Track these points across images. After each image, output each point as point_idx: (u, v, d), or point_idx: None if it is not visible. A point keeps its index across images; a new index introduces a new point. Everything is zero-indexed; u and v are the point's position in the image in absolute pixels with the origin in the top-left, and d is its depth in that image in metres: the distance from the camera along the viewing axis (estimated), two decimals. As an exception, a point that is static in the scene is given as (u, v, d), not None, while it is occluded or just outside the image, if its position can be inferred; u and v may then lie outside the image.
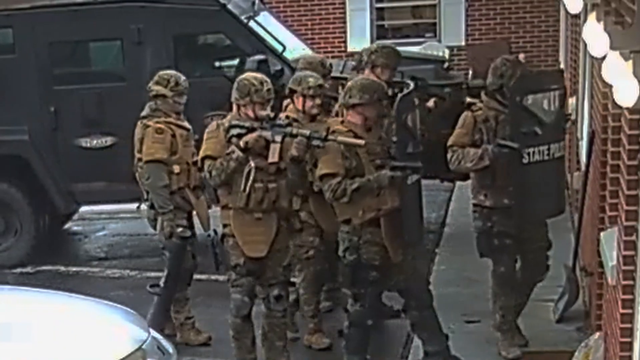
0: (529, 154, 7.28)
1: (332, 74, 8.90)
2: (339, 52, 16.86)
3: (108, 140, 10.82)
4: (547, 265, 7.76)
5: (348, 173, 6.95)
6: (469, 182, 7.77)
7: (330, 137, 7.14)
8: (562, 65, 14.41)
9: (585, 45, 7.44)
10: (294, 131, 7.16)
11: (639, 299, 5.61)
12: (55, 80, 10.88)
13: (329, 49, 16.92)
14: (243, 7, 11.15)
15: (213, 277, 10.05)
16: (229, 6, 10.80)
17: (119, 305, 6.60)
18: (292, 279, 7.87)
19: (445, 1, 17.25)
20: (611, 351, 6.37)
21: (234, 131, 7.13)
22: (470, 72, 15.13)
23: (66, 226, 12.37)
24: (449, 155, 7.44)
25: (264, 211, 7.18)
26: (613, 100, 5.86)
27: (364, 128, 7.05)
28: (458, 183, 11.25)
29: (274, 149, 7.08)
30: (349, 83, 7.23)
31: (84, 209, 12.02)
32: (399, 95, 7.04)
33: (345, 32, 17.52)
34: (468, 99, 7.94)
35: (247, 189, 7.10)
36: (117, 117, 10.74)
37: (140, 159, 8.27)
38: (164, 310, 8.33)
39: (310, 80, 7.88)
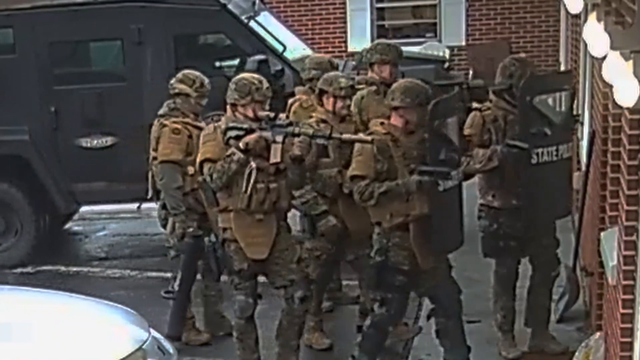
0: (537, 154, 7.24)
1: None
2: (340, 52, 16.86)
3: (108, 140, 10.82)
4: (559, 260, 7.75)
5: (379, 176, 6.85)
6: (471, 181, 7.75)
7: (334, 135, 7.10)
8: (562, 65, 14.41)
9: (586, 45, 7.44)
10: (296, 130, 7.11)
11: (639, 299, 5.61)
12: (55, 80, 10.88)
13: (330, 49, 16.91)
14: (243, 7, 11.15)
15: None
16: (230, 6, 10.80)
17: (119, 305, 6.60)
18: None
19: (445, 1, 17.25)
20: (611, 351, 6.37)
21: (232, 133, 7.06)
22: (471, 72, 15.16)
23: (66, 226, 12.37)
24: None
25: (265, 212, 7.14)
26: (613, 100, 5.86)
27: (404, 131, 6.93)
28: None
29: (276, 149, 7.01)
30: (394, 85, 7.10)
31: (84, 209, 12.02)
32: (432, 101, 6.86)
33: (345, 32, 17.53)
34: (474, 104, 7.90)
35: (249, 190, 7.05)
36: (118, 117, 10.76)
37: (155, 158, 8.23)
38: (183, 314, 8.25)
39: (342, 81, 7.78)
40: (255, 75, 7.32)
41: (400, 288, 6.98)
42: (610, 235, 6.67)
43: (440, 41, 17.13)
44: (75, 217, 12.30)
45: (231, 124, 7.11)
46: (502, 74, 7.51)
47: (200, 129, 8.05)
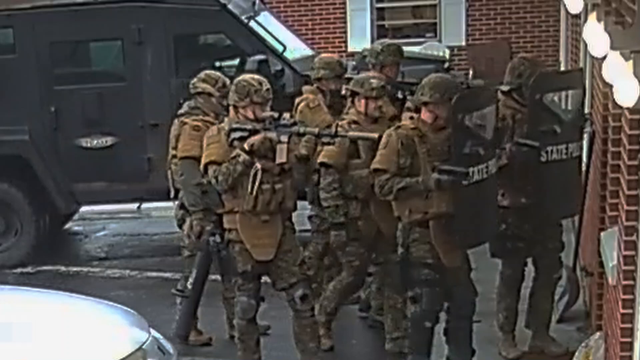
0: (547, 152, 7.22)
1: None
2: (340, 52, 16.84)
3: (108, 140, 10.82)
4: (561, 262, 7.75)
5: (402, 171, 6.84)
6: None
7: (340, 132, 7.06)
8: (562, 65, 14.40)
9: (586, 45, 7.44)
10: (301, 130, 7.09)
11: (639, 299, 5.61)
12: (55, 80, 10.88)
13: (330, 49, 16.88)
14: (243, 7, 11.15)
15: (213, 277, 10.06)
16: (230, 6, 10.80)
17: (119, 305, 6.59)
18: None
19: (445, 1, 17.24)
20: (611, 351, 6.37)
21: (236, 134, 7.04)
22: (471, 72, 15.16)
23: (66, 226, 12.37)
24: None
25: (271, 213, 7.11)
26: (613, 100, 5.86)
27: (434, 127, 6.90)
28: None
29: (281, 150, 6.98)
30: (423, 81, 7.06)
31: (84, 209, 12.03)
32: (455, 96, 6.82)
33: (345, 32, 17.52)
34: None
35: (254, 191, 7.02)
36: (118, 117, 10.76)
37: (174, 156, 8.20)
38: (193, 313, 8.18)
39: (373, 82, 7.70)
40: (256, 77, 7.30)
41: (427, 282, 6.94)
42: (610, 235, 6.67)
43: (440, 41, 17.12)
44: (75, 217, 12.30)
45: (235, 125, 7.09)
46: (512, 73, 7.49)
47: None
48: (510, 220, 7.42)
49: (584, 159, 7.98)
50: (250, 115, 7.12)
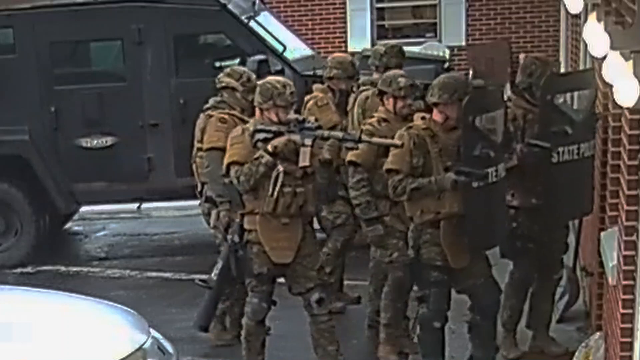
0: (558, 153, 7.19)
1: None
2: (340, 52, 16.82)
3: (108, 140, 10.82)
4: (562, 263, 7.74)
5: (415, 171, 6.84)
6: None
7: (364, 138, 7.03)
8: (562, 65, 14.40)
9: (586, 45, 7.44)
10: (325, 134, 7.07)
11: (639, 299, 5.61)
12: (55, 80, 10.88)
13: (330, 49, 16.88)
14: (243, 7, 11.15)
15: (213, 277, 10.06)
16: (230, 6, 10.80)
17: (119, 305, 6.59)
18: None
19: (445, 1, 17.24)
20: (611, 351, 6.37)
21: (260, 136, 7.01)
22: (471, 72, 15.16)
23: (66, 226, 12.37)
24: None
25: (291, 216, 7.07)
26: (613, 100, 5.87)
27: (445, 127, 6.90)
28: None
29: (305, 153, 6.94)
30: (434, 81, 7.06)
31: (84, 209, 12.03)
32: (465, 97, 6.78)
33: (345, 32, 17.52)
34: None
35: (275, 193, 6.99)
36: (118, 117, 10.76)
37: (199, 149, 8.16)
38: (215, 305, 8.06)
39: (401, 80, 7.64)
40: (281, 79, 7.24)
41: (436, 284, 6.94)
42: (610, 235, 6.68)
43: (440, 41, 17.12)
44: (75, 217, 12.30)
45: (259, 127, 7.06)
46: (522, 72, 7.48)
47: (245, 122, 7.88)
48: (520, 220, 7.39)
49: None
50: (274, 117, 7.08)
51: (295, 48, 11.38)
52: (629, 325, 5.72)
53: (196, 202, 11.10)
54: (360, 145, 7.29)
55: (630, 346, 5.71)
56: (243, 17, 10.87)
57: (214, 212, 8.06)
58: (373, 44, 16.91)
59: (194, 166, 8.33)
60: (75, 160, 10.83)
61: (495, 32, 17.19)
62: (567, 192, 7.30)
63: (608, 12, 6.56)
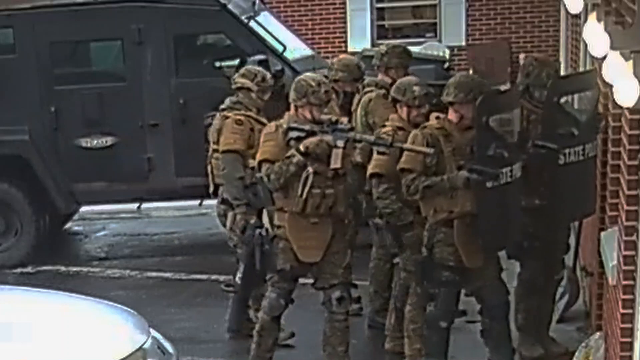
0: (565, 154, 7.18)
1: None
2: (340, 52, 16.81)
3: (108, 140, 10.82)
4: (563, 264, 7.73)
5: (428, 170, 6.84)
6: None
7: (395, 144, 7.00)
8: (562, 65, 14.40)
9: (586, 45, 7.44)
10: (357, 136, 7.05)
11: (639, 299, 5.61)
12: (55, 80, 10.87)
13: (330, 49, 16.90)
14: (243, 7, 11.15)
15: (213, 277, 10.07)
16: (230, 6, 10.80)
17: (119, 305, 6.59)
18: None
19: (445, 1, 17.24)
20: (611, 351, 6.38)
21: (293, 134, 6.99)
22: (471, 72, 15.14)
23: (66, 226, 12.37)
24: None
25: (320, 216, 7.06)
26: (613, 100, 5.87)
27: (460, 127, 6.89)
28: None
29: (337, 155, 6.92)
30: (449, 80, 7.04)
31: (84, 209, 12.02)
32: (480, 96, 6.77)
33: (345, 32, 17.52)
34: None
35: (304, 194, 6.97)
36: (118, 117, 10.76)
37: (215, 150, 8.14)
38: (243, 308, 8.11)
39: (416, 89, 7.53)
40: (317, 77, 7.20)
41: (446, 283, 6.94)
42: (610, 235, 6.68)
43: (440, 41, 17.12)
44: (75, 217, 12.30)
45: (292, 124, 7.04)
46: (521, 73, 7.49)
47: (262, 123, 7.90)
48: (526, 219, 7.38)
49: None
50: (308, 115, 7.07)
51: (295, 48, 11.38)
52: (629, 325, 5.72)
53: (196, 202, 11.22)
54: (380, 156, 7.25)
55: (630, 346, 5.71)
56: (243, 17, 10.86)
57: (230, 214, 8.03)
58: (373, 44, 16.93)
59: (208, 167, 8.30)
60: (75, 160, 10.83)
61: (495, 32, 17.19)
62: (572, 193, 7.30)
63: (608, 12, 6.57)
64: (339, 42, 17.47)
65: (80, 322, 6.17)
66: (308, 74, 7.53)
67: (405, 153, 6.92)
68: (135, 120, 10.75)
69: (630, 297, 5.73)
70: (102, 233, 12.39)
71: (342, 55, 9.44)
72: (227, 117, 8.08)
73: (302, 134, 6.98)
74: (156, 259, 11.11)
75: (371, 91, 8.31)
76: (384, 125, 7.58)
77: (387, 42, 14.23)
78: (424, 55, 14.01)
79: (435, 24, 17.43)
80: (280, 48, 10.81)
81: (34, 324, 5.94)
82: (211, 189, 8.32)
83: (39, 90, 10.82)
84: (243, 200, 7.90)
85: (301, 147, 6.93)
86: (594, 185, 7.65)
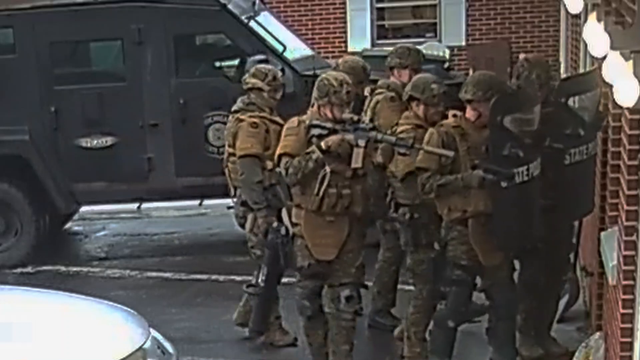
0: (570, 154, 7.19)
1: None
2: (340, 52, 16.83)
3: (108, 140, 10.82)
4: (569, 263, 7.71)
5: (444, 169, 6.84)
6: None
7: (416, 145, 6.99)
8: (562, 65, 14.40)
9: (586, 45, 7.44)
10: (379, 136, 7.03)
11: (639, 299, 5.61)
12: (55, 80, 10.87)
13: (329, 49, 16.90)
14: (243, 7, 11.15)
15: (213, 277, 10.08)
16: (230, 6, 10.80)
17: (119, 305, 6.59)
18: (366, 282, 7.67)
19: (445, 1, 17.23)
20: (611, 351, 6.37)
21: (315, 131, 6.99)
22: (471, 72, 15.13)
23: (66, 226, 12.37)
24: None
25: (337, 215, 7.05)
26: (613, 100, 5.86)
27: (477, 125, 6.89)
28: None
29: (357, 154, 6.92)
30: (467, 78, 7.02)
31: (84, 209, 12.02)
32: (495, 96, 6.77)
33: (345, 32, 17.51)
34: None
35: (321, 193, 6.97)
36: (118, 117, 10.76)
37: (231, 154, 8.10)
38: (267, 309, 8.06)
39: (434, 88, 7.47)
40: (339, 77, 7.17)
41: (458, 282, 6.94)
42: (610, 235, 6.68)
43: (440, 41, 17.11)
44: (75, 217, 12.30)
45: (315, 122, 7.04)
46: (514, 74, 7.48)
47: (277, 123, 7.88)
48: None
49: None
50: (329, 114, 7.06)
51: (295, 48, 11.37)
52: (629, 325, 5.72)
53: (196, 202, 11.22)
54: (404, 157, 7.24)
55: (630, 346, 5.71)
56: (243, 17, 10.86)
57: (250, 216, 8.00)
58: (373, 44, 16.94)
59: (226, 170, 8.25)
60: (75, 160, 10.83)
61: (495, 32, 17.18)
62: (576, 192, 7.31)
63: (608, 12, 6.56)
64: (339, 42, 17.47)
65: (80, 322, 6.17)
66: (332, 72, 7.52)
67: (421, 152, 6.91)
68: (135, 120, 10.75)
69: (630, 297, 5.73)
70: (102, 233, 12.39)
71: (347, 57, 9.35)
72: (241, 120, 8.01)
73: (324, 132, 6.98)
74: (156, 259, 11.11)
75: (381, 93, 8.27)
76: (394, 126, 7.55)
77: (387, 42, 14.24)
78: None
79: (435, 24, 17.43)
80: (280, 48, 10.81)
81: (34, 324, 5.94)
82: (231, 192, 8.27)
83: (39, 90, 10.82)
84: (263, 204, 7.88)
85: (322, 145, 6.94)
86: (593, 183, 7.66)
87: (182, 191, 10.85)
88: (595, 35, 5.31)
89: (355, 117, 7.09)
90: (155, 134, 10.76)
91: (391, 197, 7.62)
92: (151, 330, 6.28)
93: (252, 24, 10.90)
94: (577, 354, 7.20)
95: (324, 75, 7.22)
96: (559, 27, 16.01)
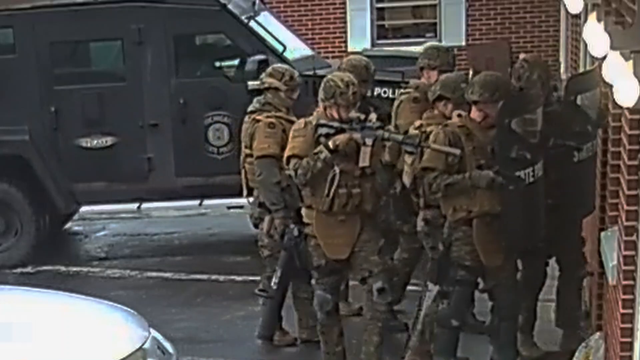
0: (579, 151, 7.21)
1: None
2: (340, 52, 16.84)
3: (108, 140, 10.82)
4: (585, 259, 7.68)
5: (451, 169, 6.83)
6: None
7: (423, 144, 7.00)
8: (562, 65, 14.40)
9: (586, 45, 7.44)
10: (386, 135, 7.03)
11: (639, 299, 5.61)
12: (55, 80, 10.87)
13: (329, 49, 16.90)
14: (243, 7, 11.15)
15: (213, 277, 10.08)
16: (230, 6, 10.80)
17: (119, 305, 6.59)
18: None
19: (445, 1, 17.23)
20: (611, 351, 6.37)
21: (322, 130, 7.00)
22: (471, 72, 15.12)
23: (66, 226, 12.37)
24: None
25: (348, 214, 7.06)
26: (613, 100, 5.87)
27: (482, 126, 6.89)
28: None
29: (365, 153, 6.93)
30: (474, 78, 7.03)
31: (84, 209, 11.99)
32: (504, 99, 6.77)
33: (345, 32, 17.51)
34: None
35: (331, 194, 6.98)
36: (118, 117, 10.76)
37: (248, 155, 8.06)
38: (277, 313, 8.05)
39: (464, 87, 7.42)
40: (345, 78, 7.14)
41: (461, 283, 6.94)
42: (610, 235, 6.68)
43: (440, 41, 17.08)
44: (75, 217, 12.30)
45: (322, 121, 7.05)
46: (514, 75, 7.47)
47: (293, 123, 7.74)
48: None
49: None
50: (335, 115, 7.06)
51: (295, 48, 11.37)
52: (629, 325, 5.72)
53: (196, 202, 11.21)
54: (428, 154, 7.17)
55: (630, 346, 5.71)
56: (243, 17, 10.86)
57: (267, 218, 7.96)
58: (373, 44, 16.94)
59: (242, 172, 8.23)
60: (75, 160, 10.83)
61: (495, 32, 17.18)
62: (582, 189, 7.32)
63: (608, 12, 6.56)
64: (339, 42, 17.47)
65: (80, 322, 6.17)
66: (337, 73, 7.51)
67: (428, 151, 6.91)
68: (135, 120, 10.75)
69: (630, 297, 5.73)
70: (102, 233, 12.39)
71: (351, 56, 9.31)
72: (257, 121, 7.97)
73: (331, 131, 6.99)
74: (156, 259, 11.11)
75: (407, 93, 8.20)
76: (420, 127, 7.48)
77: (387, 42, 14.25)
78: (424, 55, 13.99)
79: (435, 24, 17.42)
80: (280, 48, 10.81)
81: (34, 324, 5.94)
82: (245, 192, 8.25)
83: (39, 90, 10.82)
84: (281, 205, 7.84)
85: (330, 144, 6.94)
86: (594, 183, 7.68)
87: (182, 191, 10.85)
88: (595, 35, 5.32)
89: (362, 116, 7.09)
90: (155, 134, 10.76)
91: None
92: (151, 330, 6.28)
93: (252, 24, 10.90)
94: (577, 354, 7.20)
95: (329, 77, 7.21)
96: (559, 27, 16.01)
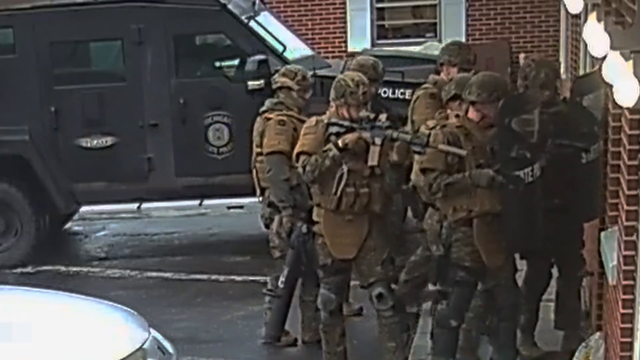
0: (587, 152, 7.18)
1: (332, 73, 8.87)
2: (339, 52, 16.85)
3: (108, 140, 10.82)
4: (584, 260, 7.68)
5: (450, 169, 6.83)
6: None
7: (431, 144, 6.98)
8: (562, 65, 14.40)
9: (586, 45, 7.43)
10: (394, 134, 7.02)
11: (639, 299, 5.61)
12: (55, 80, 10.88)
13: (329, 49, 16.90)
14: (243, 7, 11.15)
15: (213, 277, 10.08)
16: (230, 6, 10.80)
17: (119, 305, 6.59)
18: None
19: (445, 1, 17.24)
20: (611, 351, 6.37)
21: (333, 129, 7.03)
22: (471, 72, 15.13)
23: (66, 226, 12.37)
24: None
25: (355, 213, 7.08)
26: (613, 100, 5.86)
27: (480, 125, 6.89)
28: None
29: (374, 152, 6.94)
30: (472, 79, 7.03)
31: (84, 209, 12.01)
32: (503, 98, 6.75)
33: (345, 32, 17.51)
34: None
35: (339, 192, 7.00)
36: (118, 117, 10.76)
37: (259, 153, 8.05)
38: (284, 313, 8.00)
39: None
40: (356, 78, 7.17)
41: (461, 283, 6.93)
42: (610, 235, 6.67)
43: (440, 41, 17.08)
44: (75, 217, 12.31)
45: (333, 120, 7.08)
46: (520, 75, 7.47)
47: (304, 122, 7.72)
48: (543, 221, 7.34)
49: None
50: (345, 114, 7.09)
51: (295, 48, 11.38)
52: (629, 325, 5.72)
53: (196, 202, 11.22)
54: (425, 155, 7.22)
55: (630, 346, 5.71)
56: (243, 17, 10.86)
57: (277, 218, 7.93)
58: (373, 44, 16.94)
59: (254, 171, 8.21)
60: (75, 160, 10.84)
61: (495, 32, 17.19)
62: (589, 191, 7.31)
63: (608, 12, 6.56)
64: (339, 42, 17.47)
65: (80, 322, 6.17)
66: (349, 72, 7.52)
67: (428, 152, 6.91)
68: (135, 120, 10.75)
69: (630, 297, 5.73)
70: (102, 233, 12.39)
71: (359, 57, 9.26)
72: (268, 119, 7.98)
73: (342, 130, 7.01)
74: (156, 259, 11.12)
75: (425, 89, 8.20)
76: (436, 125, 7.47)
77: (387, 42, 14.24)
78: (424, 55, 14.02)
79: (435, 24, 17.43)
80: (280, 48, 10.81)
81: (34, 324, 5.94)
82: (258, 192, 8.23)
83: (39, 90, 10.82)
84: (289, 203, 7.82)
85: (340, 143, 6.96)
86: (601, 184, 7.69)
87: (182, 191, 10.85)
88: (595, 35, 5.31)
89: (372, 115, 7.10)
90: (155, 134, 10.76)
91: None
92: (151, 330, 6.28)
93: (252, 24, 10.91)
94: (577, 354, 7.19)
95: (340, 76, 7.24)
96: (559, 27, 16.01)
